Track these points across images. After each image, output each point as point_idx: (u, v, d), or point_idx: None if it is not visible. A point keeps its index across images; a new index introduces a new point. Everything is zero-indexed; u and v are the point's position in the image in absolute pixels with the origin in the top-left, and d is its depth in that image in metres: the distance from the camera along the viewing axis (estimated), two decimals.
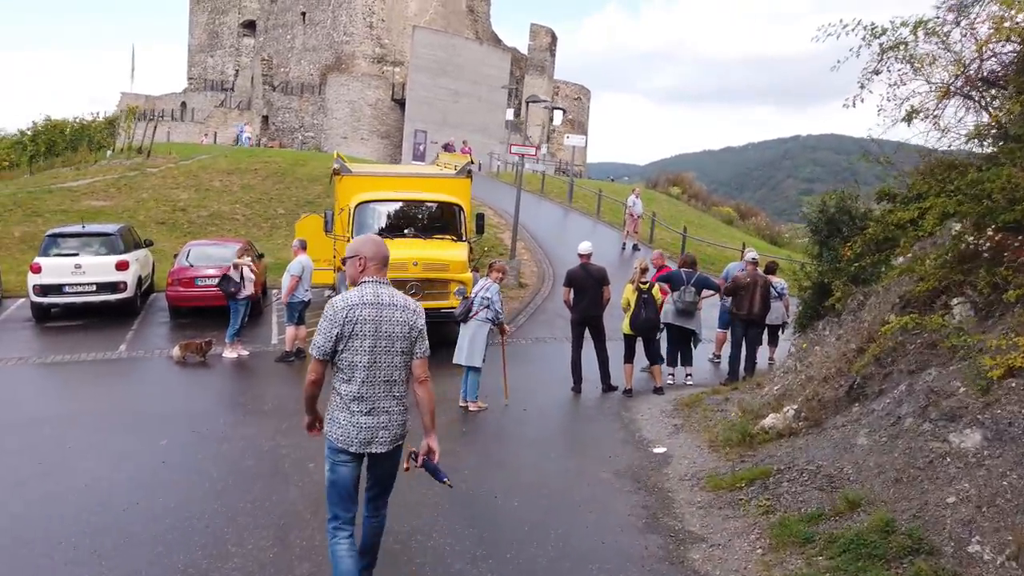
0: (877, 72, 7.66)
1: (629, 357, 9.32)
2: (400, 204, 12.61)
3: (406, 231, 12.23)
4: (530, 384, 9.73)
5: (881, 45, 7.47)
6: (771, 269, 11.34)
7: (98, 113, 29.68)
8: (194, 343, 11.04)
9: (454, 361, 8.55)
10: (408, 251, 11.49)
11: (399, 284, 11.42)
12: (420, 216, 12.73)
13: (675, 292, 9.85)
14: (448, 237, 12.26)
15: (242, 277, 11.12)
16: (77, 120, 28.33)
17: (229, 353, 11.29)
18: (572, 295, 9.34)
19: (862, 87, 7.74)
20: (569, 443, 7.63)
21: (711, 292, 10.43)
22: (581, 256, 9.47)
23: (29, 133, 25.87)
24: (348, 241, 12.14)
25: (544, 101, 15.75)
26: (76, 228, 14.28)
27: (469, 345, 8.45)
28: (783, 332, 11.58)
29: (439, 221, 12.69)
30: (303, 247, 11.18)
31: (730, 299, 10.02)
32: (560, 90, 60.18)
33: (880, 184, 8.59)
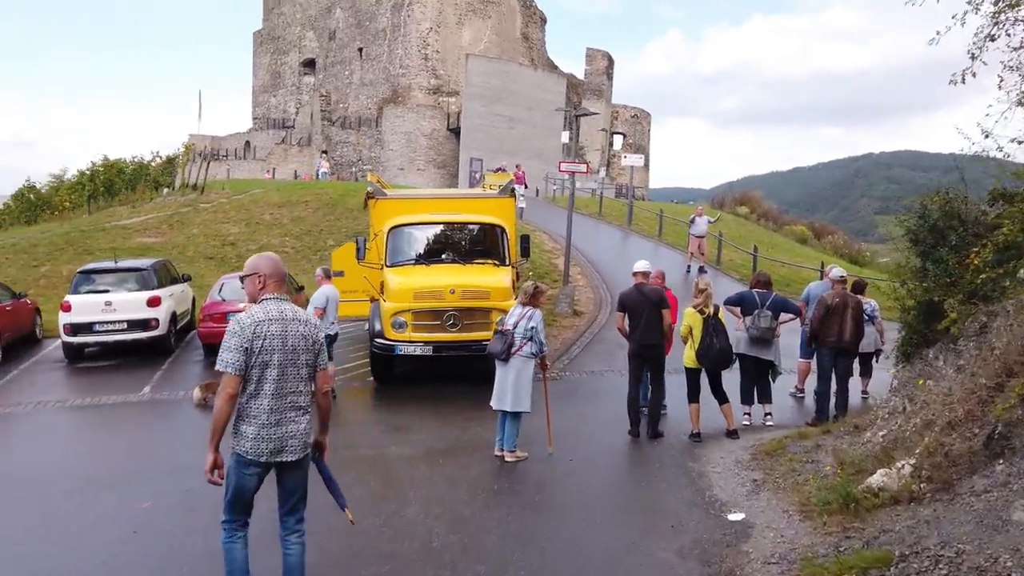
0: (992, 38, 6.23)
1: (694, 395, 7.92)
2: (437, 227, 11.57)
3: (444, 256, 11.18)
4: (580, 426, 8.44)
5: (997, 4, 6.05)
6: (860, 288, 9.79)
7: (157, 153, 29.98)
8: (215, 384, 10.15)
9: (495, 407, 7.30)
10: (445, 278, 10.42)
11: (435, 314, 10.38)
12: (459, 239, 11.66)
13: (748, 317, 8.43)
14: (490, 262, 11.14)
15: None
16: (136, 160, 28.60)
17: None
18: (626, 321, 8.05)
19: (973, 58, 6.33)
20: (621, 505, 6.25)
21: (790, 316, 8.96)
22: (636, 276, 8.16)
23: (88, 174, 26.18)
24: (381, 269, 11.22)
25: (594, 113, 14.57)
26: (108, 264, 13.79)
27: (514, 386, 7.17)
28: (877, 361, 9.99)
29: (480, 244, 11.60)
30: (327, 276, 10.22)
31: (815, 324, 8.52)
32: (619, 114, 59.08)
33: (992, 181, 7.07)
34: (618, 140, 58.11)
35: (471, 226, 11.69)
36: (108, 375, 12.29)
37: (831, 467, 5.97)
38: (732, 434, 7.92)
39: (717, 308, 7.81)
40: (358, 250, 11.36)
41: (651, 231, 26.24)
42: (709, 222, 19.99)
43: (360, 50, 56.87)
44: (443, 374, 11.11)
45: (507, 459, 7.21)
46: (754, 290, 8.73)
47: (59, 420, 10.01)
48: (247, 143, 58.38)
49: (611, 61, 58.20)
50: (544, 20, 59.55)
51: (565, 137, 30.84)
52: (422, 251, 11.26)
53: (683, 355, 7.98)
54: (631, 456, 7.58)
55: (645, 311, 7.87)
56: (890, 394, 7.22)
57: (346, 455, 7.61)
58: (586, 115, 14.88)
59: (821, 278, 11.99)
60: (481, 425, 8.37)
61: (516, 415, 7.19)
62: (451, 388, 10.42)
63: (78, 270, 13.85)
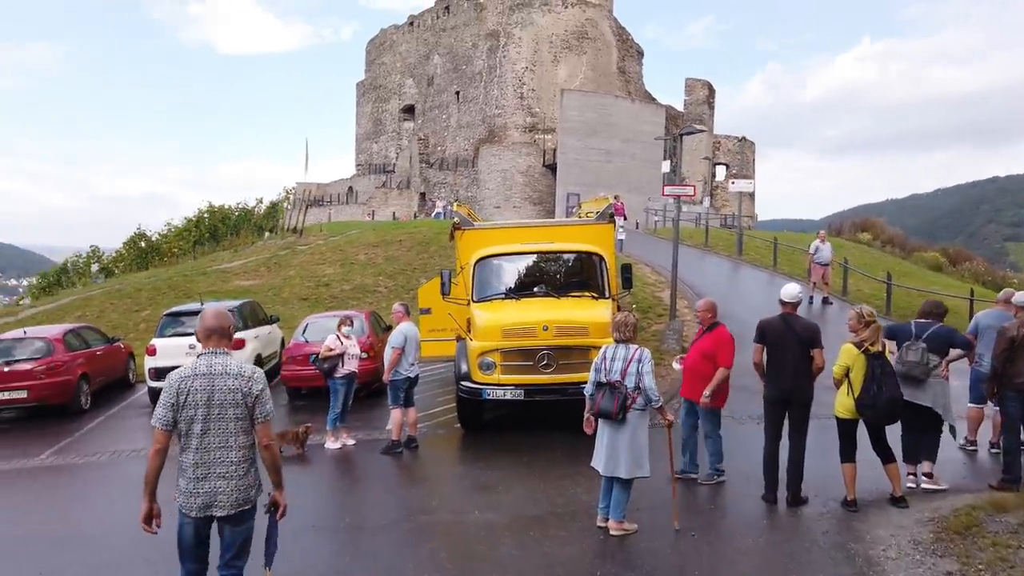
0: None
1: (849, 453, 6.30)
2: (528, 257, 10.45)
3: (536, 289, 10.04)
4: (699, 488, 6.97)
5: None
6: None
7: (261, 200, 30.67)
8: (291, 432, 9.34)
9: (605, 472, 5.94)
10: (537, 313, 9.26)
11: (526, 354, 9.20)
12: (553, 271, 10.50)
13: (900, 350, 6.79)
14: (587, 294, 9.89)
15: (335, 352, 9.37)
16: (241, 206, 29.27)
17: (331, 443, 9.49)
18: (765, 356, 6.60)
19: None
20: None
21: (959, 352, 7.19)
22: (784, 304, 6.67)
23: (194, 220, 26.91)
24: (468, 304, 10.20)
25: (701, 130, 13.24)
26: (194, 306, 13.44)
27: (630, 447, 5.80)
28: None
29: (576, 276, 10.39)
30: (406, 313, 9.26)
31: (996, 361, 6.75)
32: (721, 144, 56.89)
33: None
34: (720, 171, 55.83)
35: (565, 255, 10.52)
36: None
37: None
38: (898, 501, 6.26)
39: (884, 346, 6.20)
40: (443, 284, 10.35)
41: (764, 261, 24.25)
42: (820, 246, 17.82)
43: (457, 93, 57.63)
44: (537, 418, 9.89)
45: (612, 531, 5.85)
46: (915, 320, 7.06)
47: (108, 474, 9.37)
48: (350, 188, 59.97)
49: (712, 90, 56.29)
50: (641, 53, 58.57)
51: (666, 167, 29.39)
52: (512, 284, 10.17)
53: (834, 402, 6.41)
54: (771, 530, 6.04)
55: (792, 348, 6.39)
56: None
57: (422, 521, 6.49)
58: (691, 132, 13.54)
59: (977, 309, 10.01)
60: (579, 484, 7.07)
61: (629, 481, 5.86)
62: (546, 437, 9.16)
63: (164, 312, 13.58)
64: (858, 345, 6.13)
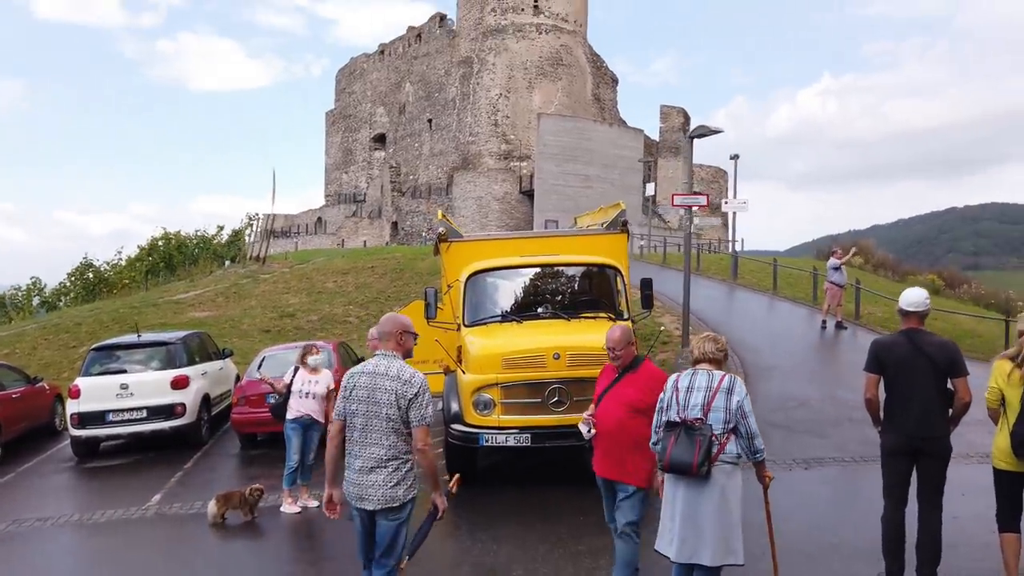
0: None
1: (1011, 518, 4.55)
2: (529, 272, 8.70)
3: (540, 310, 8.28)
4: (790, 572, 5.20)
5: None
6: None
7: (222, 228, 28.62)
8: (236, 494, 7.41)
9: (679, 559, 4.14)
10: (545, 338, 7.51)
11: (533, 388, 7.41)
12: (560, 288, 8.77)
13: None
14: (602, 315, 8.16)
15: (289, 390, 7.52)
16: (200, 233, 27.21)
17: (289, 506, 7.57)
18: (883, 390, 4.81)
19: None
20: None
21: None
22: (907, 316, 4.82)
23: (146, 248, 24.82)
24: (458, 329, 8.42)
25: (718, 131, 11.75)
26: (128, 339, 11.42)
27: (718, 519, 4.04)
28: None
29: (587, 293, 8.69)
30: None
31: None
32: (696, 173, 56.04)
33: None
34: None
35: (575, 269, 8.81)
36: (121, 478, 9.76)
37: None
38: None
39: None
40: (427, 306, 8.51)
41: (761, 284, 22.85)
42: (837, 265, 16.30)
43: (430, 121, 56.35)
44: (546, 465, 8.12)
45: None
46: None
47: (33, 549, 7.38)
48: (319, 219, 58.09)
49: (687, 118, 55.70)
50: (616, 80, 57.96)
51: (650, 189, 28.18)
52: (512, 305, 8.41)
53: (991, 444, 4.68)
54: None
55: (922, 378, 4.61)
56: None
57: None
58: (703, 135, 12.01)
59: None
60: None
61: (715, 570, 4.07)
62: (562, 493, 7.36)
63: (92, 347, 11.53)
64: (1014, 358, 4.40)
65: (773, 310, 19.51)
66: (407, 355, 4.34)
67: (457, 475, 5.12)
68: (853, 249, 21.93)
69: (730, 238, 28.72)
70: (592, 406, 4.86)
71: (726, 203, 23.45)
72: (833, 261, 16.37)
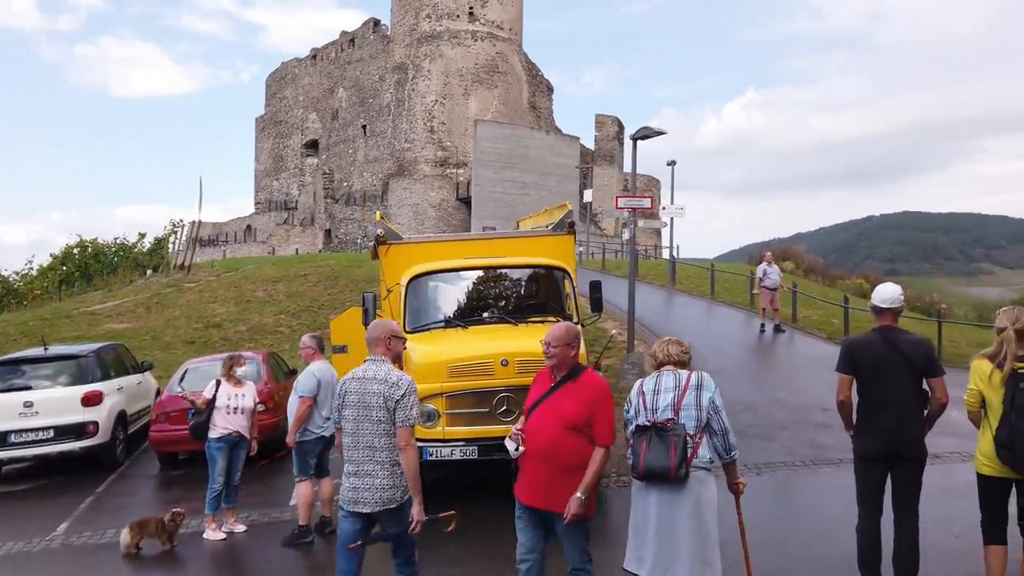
0: None
1: (997, 528, 4.29)
2: (473, 275, 8.27)
3: (486, 315, 7.87)
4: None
5: None
6: None
7: (143, 235, 27.12)
8: (152, 521, 6.72)
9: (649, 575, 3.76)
10: (492, 344, 7.10)
11: (480, 397, 7.00)
12: (505, 292, 8.37)
13: None
14: (551, 319, 7.77)
15: (211, 406, 6.88)
16: (119, 241, 25.71)
17: (212, 532, 6.91)
18: (856, 391, 4.53)
19: None
20: None
21: None
22: (881, 313, 4.56)
23: (59, 257, 23.28)
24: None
25: (661, 133, 11.56)
26: (34, 352, 10.46)
27: (694, 530, 3.73)
28: None
29: (534, 297, 8.33)
30: (319, 348, 6.87)
31: None
32: (629, 182, 56.81)
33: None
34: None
35: (521, 272, 8.42)
36: (24, 505, 8.84)
37: None
38: None
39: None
40: (365, 312, 8.01)
41: (698, 289, 23.02)
42: (768, 269, 16.40)
43: (364, 127, 55.38)
44: (491, 476, 7.68)
45: None
46: None
47: None
48: (248, 226, 56.26)
49: (621, 127, 56.33)
50: (551, 89, 58.21)
51: (589, 195, 28.19)
52: (455, 309, 7.97)
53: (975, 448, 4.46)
54: None
55: (898, 377, 4.35)
56: None
57: None
58: (647, 136, 11.84)
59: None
60: None
61: None
62: (497, 508, 6.92)
63: None
64: (992, 358, 4.20)
65: (712, 314, 19.61)
66: (396, 359, 4.36)
67: (453, 512, 4.33)
68: (768, 253, 22.14)
69: (666, 244, 28.93)
70: (522, 419, 4.20)
71: (664, 208, 23.53)
72: (763, 266, 16.53)
